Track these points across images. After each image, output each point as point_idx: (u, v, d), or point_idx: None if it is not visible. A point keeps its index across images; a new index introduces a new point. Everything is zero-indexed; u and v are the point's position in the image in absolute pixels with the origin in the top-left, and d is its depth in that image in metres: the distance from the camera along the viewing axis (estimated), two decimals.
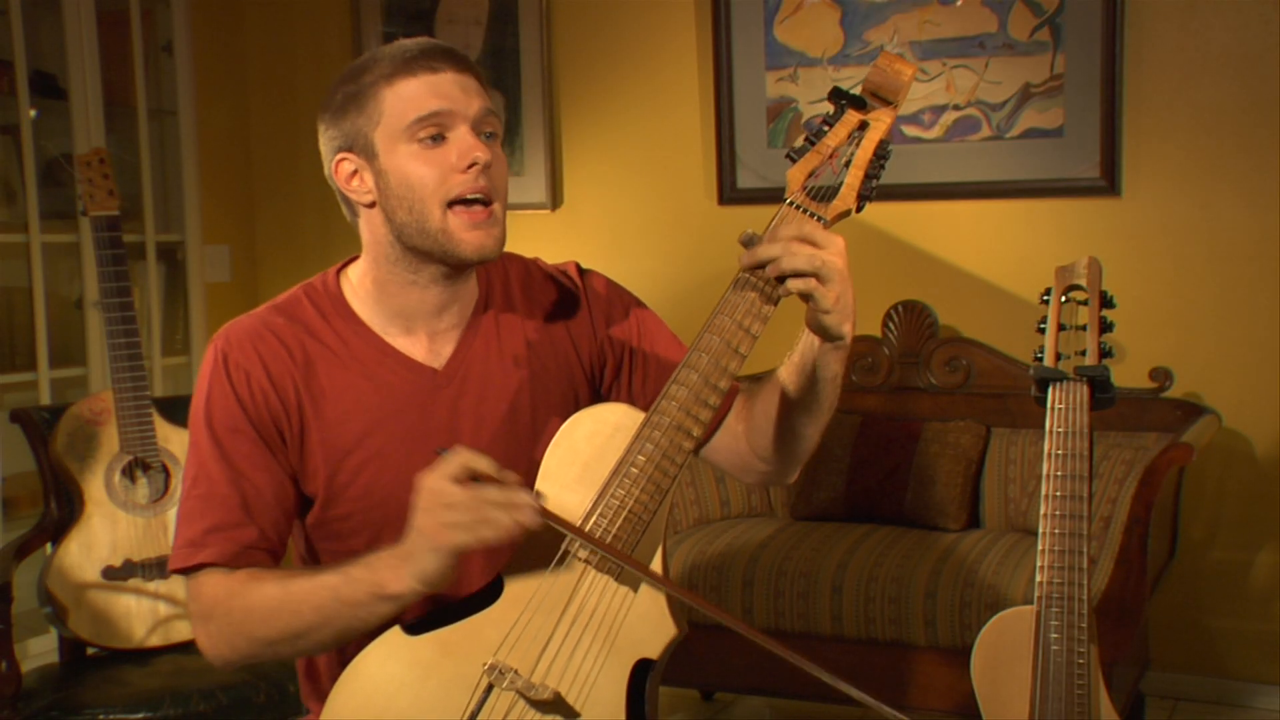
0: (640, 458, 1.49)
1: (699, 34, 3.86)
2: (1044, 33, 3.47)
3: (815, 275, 1.42)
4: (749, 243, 1.47)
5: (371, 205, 1.60)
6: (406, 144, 1.54)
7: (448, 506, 1.40)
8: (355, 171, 1.59)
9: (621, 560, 1.46)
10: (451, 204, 1.55)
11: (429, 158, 1.54)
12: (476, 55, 4.12)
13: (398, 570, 1.44)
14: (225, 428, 1.58)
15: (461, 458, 1.42)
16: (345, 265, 1.69)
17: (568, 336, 1.71)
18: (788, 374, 1.59)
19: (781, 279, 1.44)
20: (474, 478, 1.41)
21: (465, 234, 1.55)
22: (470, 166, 1.54)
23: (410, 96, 1.54)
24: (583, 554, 1.49)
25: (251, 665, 2.63)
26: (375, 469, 1.60)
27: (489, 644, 1.48)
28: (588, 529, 1.48)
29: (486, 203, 1.56)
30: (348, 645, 1.61)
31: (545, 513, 1.42)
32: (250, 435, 1.57)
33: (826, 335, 1.49)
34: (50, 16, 3.84)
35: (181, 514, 1.59)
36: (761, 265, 1.45)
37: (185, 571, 1.57)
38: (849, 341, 1.50)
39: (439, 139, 1.55)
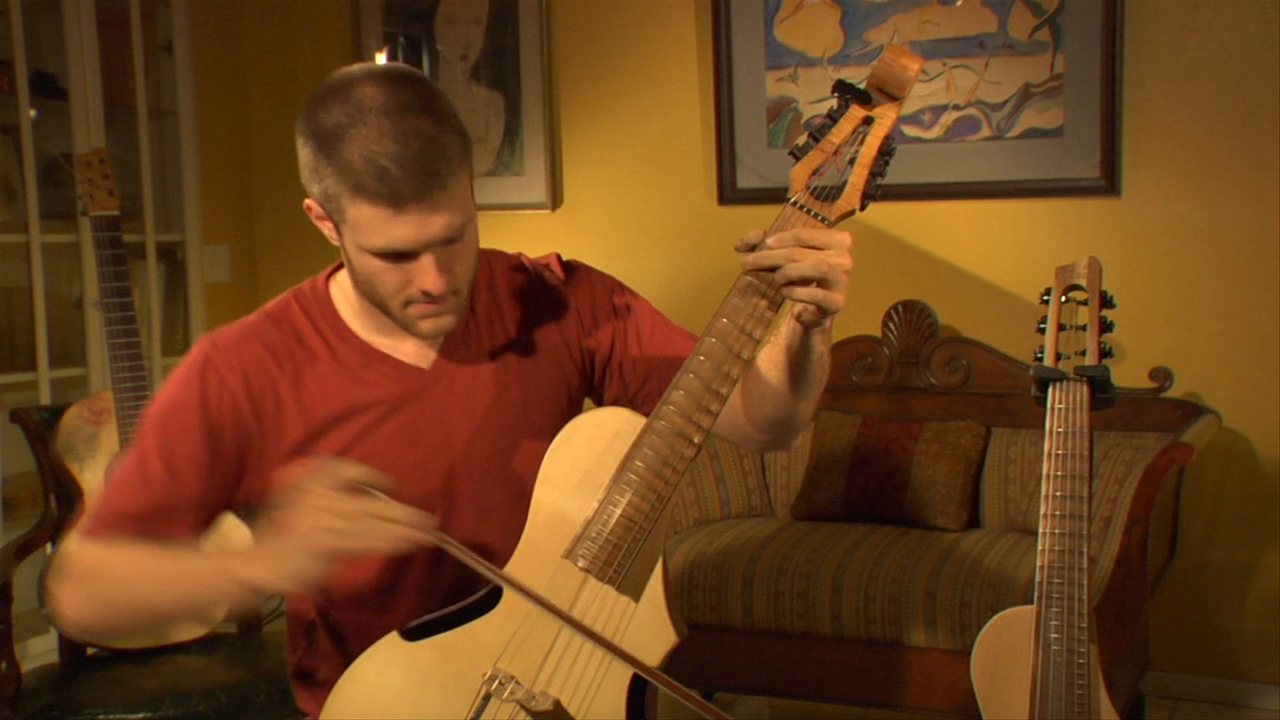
0: (640, 464, 1.48)
1: (699, 34, 3.86)
2: (1044, 33, 3.46)
3: (821, 281, 1.41)
4: (750, 249, 1.45)
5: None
6: (365, 253, 1.51)
7: (326, 511, 1.40)
8: (321, 219, 1.56)
9: (528, 596, 1.47)
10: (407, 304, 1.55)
11: (388, 270, 1.51)
12: (476, 55, 4.12)
13: (255, 566, 1.44)
14: (179, 429, 1.58)
15: (337, 468, 1.42)
16: (335, 270, 1.69)
17: (556, 328, 1.71)
18: (775, 355, 1.58)
19: (788, 284, 1.43)
20: (352, 488, 1.41)
21: (421, 321, 1.56)
22: (425, 294, 1.52)
23: (369, 225, 1.47)
24: (582, 562, 1.48)
25: (251, 664, 2.64)
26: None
27: (489, 651, 1.48)
28: (587, 534, 1.47)
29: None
30: (347, 651, 1.61)
31: (439, 536, 1.43)
32: (200, 441, 1.57)
33: (817, 324, 1.49)
34: (50, 16, 3.83)
35: (112, 483, 1.61)
36: (765, 268, 1.44)
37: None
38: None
39: (400, 257, 1.50)
